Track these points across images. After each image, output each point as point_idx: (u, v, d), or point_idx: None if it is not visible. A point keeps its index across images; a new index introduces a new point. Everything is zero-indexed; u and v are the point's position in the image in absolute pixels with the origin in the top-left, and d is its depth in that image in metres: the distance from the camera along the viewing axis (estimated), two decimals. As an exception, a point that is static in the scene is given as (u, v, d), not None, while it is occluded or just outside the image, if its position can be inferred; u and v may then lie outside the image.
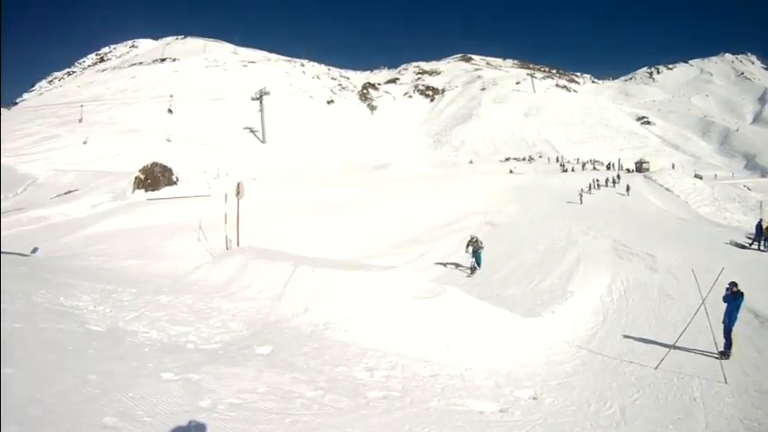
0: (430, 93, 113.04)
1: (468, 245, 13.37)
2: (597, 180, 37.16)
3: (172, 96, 68.70)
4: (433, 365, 6.02)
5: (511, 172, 46.65)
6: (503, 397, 5.40)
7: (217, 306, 7.11)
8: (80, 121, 58.82)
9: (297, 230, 16.08)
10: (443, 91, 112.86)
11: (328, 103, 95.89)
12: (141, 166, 26.68)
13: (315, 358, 5.65)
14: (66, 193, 30.84)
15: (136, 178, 25.56)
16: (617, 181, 38.08)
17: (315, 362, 5.53)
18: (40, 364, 4.11)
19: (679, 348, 7.01)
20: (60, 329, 5.07)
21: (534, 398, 5.51)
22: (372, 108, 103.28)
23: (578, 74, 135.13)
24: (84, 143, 50.34)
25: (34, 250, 11.76)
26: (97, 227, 15.55)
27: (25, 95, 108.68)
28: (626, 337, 8.09)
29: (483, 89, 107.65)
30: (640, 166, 50.54)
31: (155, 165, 26.94)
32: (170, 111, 65.96)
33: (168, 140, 54.89)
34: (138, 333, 5.39)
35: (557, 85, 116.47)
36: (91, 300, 6.29)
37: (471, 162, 62.69)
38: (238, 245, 12.26)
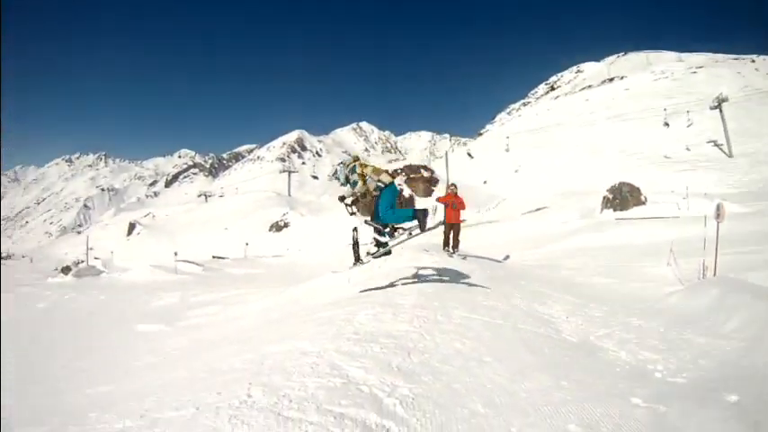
0: None
1: None
2: None
3: (665, 110, 65.59)
4: None
5: None
6: None
7: (687, 339, 6.33)
8: (507, 150, 66.32)
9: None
10: None
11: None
12: (609, 186, 26.90)
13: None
14: (536, 210, 34.62)
15: (604, 197, 25.99)
16: None
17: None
18: (519, 359, 4.55)
19: None
20: (537, 333, 5.54)
21: None
22: None
23: None
24: (516, 171, 58.32)
25: (506, 257, 13.34)
26: (567, 242, 16.51)
27: (488, 126, 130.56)
28: None
29: None
30: None
31: (623, 184, 26.75)
32: (666, 124, 63.01)
33: (667, 157, 52.98)
34: (609, 351, 5.34)
35: None
36: (563, 310, 6.66)
37: None
38: (715, 274, 10.64)
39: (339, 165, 7.54)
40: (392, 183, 7.27)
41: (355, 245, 7.82)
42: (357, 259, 7.84)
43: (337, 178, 7.56)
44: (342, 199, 7.53)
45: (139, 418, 4.37)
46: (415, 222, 7.23)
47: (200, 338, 9.78)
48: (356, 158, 7.45)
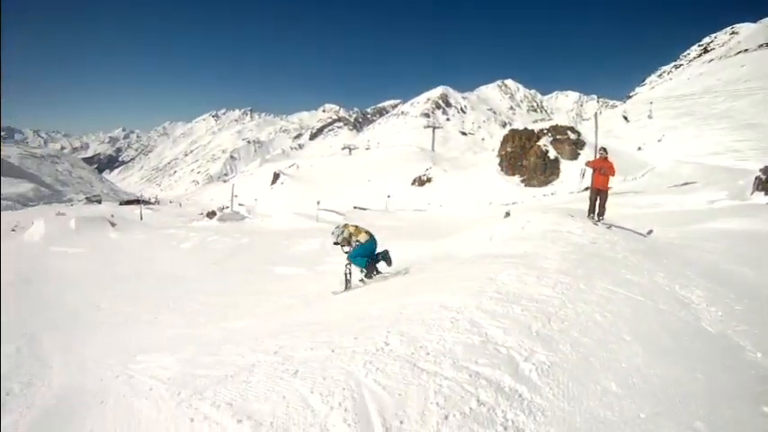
0: None
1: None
2: None
3: None
4: None
5: None
6: None
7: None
8: (649, 117, 62.11)
9: None
10: None
11: None
12: (763, 165, 23.97)
13: None
14: (683, 185, 32.01)
15: (756, 178, 23.19)
16: None
17: None
18: (657, 342, 4.61)
19: None
20: (678, 317, 5.41)
21: None
22: None
23: None
24: (659, 141, 54.72)
25: (649, 232, 12.63)
26: (712, 223, 15.12)
27: (637, 89, 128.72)
28: None
29: None
30: None
31: (773, 165, 23.58)
32: None
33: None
34: (746, 349, 5.04)
35: None
36: (704, 297, 6.29)
37: None
38: None
39: (336, 228, 10.67)
40: (368, 240, 10.18)
41: (347, 275, 10.21)
42: (347, 287, 10.05)
43: (334, 237, 10.55)
44: (336, 243, 10.57)
45: (273, 354, 4.87)
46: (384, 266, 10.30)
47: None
48: (345, 225, 10.66)
